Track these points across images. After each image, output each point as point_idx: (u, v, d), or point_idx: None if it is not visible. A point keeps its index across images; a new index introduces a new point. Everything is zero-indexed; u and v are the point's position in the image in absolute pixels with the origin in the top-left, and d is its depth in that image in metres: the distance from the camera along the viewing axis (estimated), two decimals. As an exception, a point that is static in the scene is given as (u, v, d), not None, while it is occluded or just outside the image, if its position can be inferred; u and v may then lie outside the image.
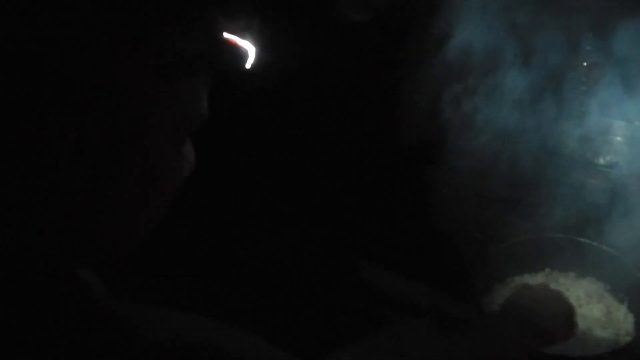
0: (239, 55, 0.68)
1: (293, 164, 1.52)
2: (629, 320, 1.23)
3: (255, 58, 0.70)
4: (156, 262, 1.30)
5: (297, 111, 1.48)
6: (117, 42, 0.56)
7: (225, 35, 0.65)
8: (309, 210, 1.53)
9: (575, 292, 1.25)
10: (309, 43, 1.40)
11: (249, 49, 0.69)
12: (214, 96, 0.66)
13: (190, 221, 1.37)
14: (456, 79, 1.39)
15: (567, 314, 1.16)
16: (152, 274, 1.29)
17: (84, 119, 0.55)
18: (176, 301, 0.67)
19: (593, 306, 1.24)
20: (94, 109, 0.56)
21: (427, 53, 1.35)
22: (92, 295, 0.59)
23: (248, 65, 0.70)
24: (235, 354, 0.62)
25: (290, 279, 1.41)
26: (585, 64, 1.67)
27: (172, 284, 1.28)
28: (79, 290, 0.58)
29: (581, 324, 1.20)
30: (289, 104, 1.47)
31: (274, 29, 0.89)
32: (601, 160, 1.62)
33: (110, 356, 0.56)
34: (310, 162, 1.53)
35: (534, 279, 1.29)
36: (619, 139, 1.64)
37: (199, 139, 0.68)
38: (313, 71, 1.42)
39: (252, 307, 1.33)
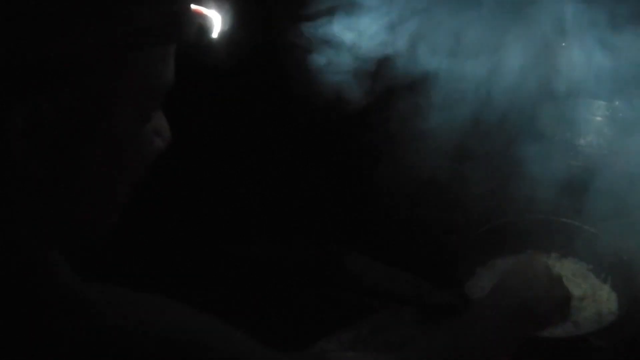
0: (205, 25, 0.67)
1: (270, 148, 1.50)
2: (612, 298, 1.23)
3: (221, 28, 0.69)
4: (141, 249, 1.30)
5: (268, 85, 1.45)
6: (72, 16, 0.54)
7: (190, 4, 0.63)
8: (293, 202, 1.53)
9: (558, 272, 1.25)
10: (279, 12, 1.38)
11: (216, 19, 0.68)
12: (181, 69, 0.64)
13: (170, 211, 1.36)
14: (436, 59, 1.38)
15: (562, 298, 1.13)
16: (135, 262, 1.29)
17: (36, 100, 0.54)
18: (156, 289, 0.67)
19: (576, 286, 1.23)
20: (48, 89, 0.54)
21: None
22: (55, 277, 0.58)
23: (215, 35, 0.69)
24: (200, 343, 0.61)
25: (275, 270, 1.41)
26: (563, 44, 1.67)
27: (154, 273, 1.27)
28: (41, 272, 0.57)
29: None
30: (259, 79, 1.44)
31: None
32: (582, 141, 1.62)
33: (69, 337, 0.55)
34: (289, 147, 1.51)
35: (517, 261, 1.28)
36: (598, 119, 1.64)
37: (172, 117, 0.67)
38: (284, 42, 1.39)
39: (236, 297, 1.32)
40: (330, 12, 1.29)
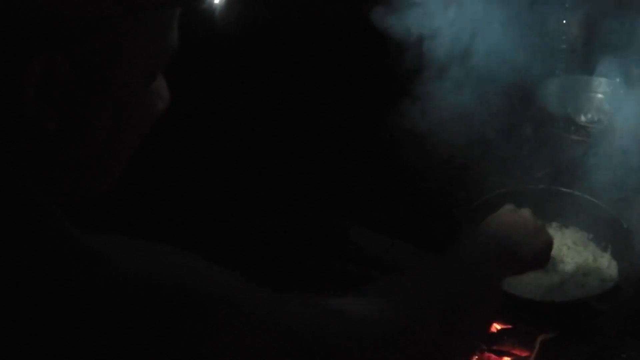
0: None
1: (276, 121, 1.51)
2: (613, 266, 1.25)
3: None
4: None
5: (274, 56, 1.45)
6: None
7: None
8: (297, 175, 1.54)
9: (559, 241, 1.26)
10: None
11: None
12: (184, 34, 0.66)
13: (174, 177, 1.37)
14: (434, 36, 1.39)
15: (544, 243, 1.11)
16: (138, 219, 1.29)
17: (51, 54, 0.55)
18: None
19: (577, 254, 1.25)
20: (62, 44, 0.56)
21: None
22: (61, 227, 0.58)
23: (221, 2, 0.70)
24: (204, 288, 0.61)
25: (278, 242, 1.42)
26: (564, 21, 1.69)
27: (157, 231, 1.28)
28: (48, 222, 0.58)
29: (567, 270, 1.21)
30: (266, 49, 1.44)
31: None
32: (582, 117, 1.64)
33: (79, 284, 0.56)
34: (295, 122, 1.52)
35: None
36: (600, 95, 1.65)
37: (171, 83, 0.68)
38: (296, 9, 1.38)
39: (239, 268, 1.33)
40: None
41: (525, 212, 1.11)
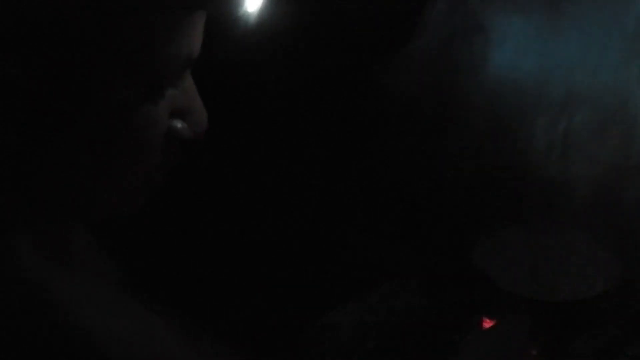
0: None
1: (283, 129, 1.50)
2: (615, 265, 1.25)
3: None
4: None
5: (301, 68, 1.39)
6: None
7: None
8: (297, 178, 1.53)
9: (559, 239, 1.27)
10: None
11: None
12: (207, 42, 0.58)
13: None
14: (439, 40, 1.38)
15: None
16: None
17: (5, 62, 0.48)
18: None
19: (580, 253, 1.26)
20: (21, 50, 0.48)
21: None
22: (19, 265, 0.53)
23: (248, 9, 0.64)
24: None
25: (277, 246, 1.42)
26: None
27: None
28: (6, 258, 0.53)
29: (570, 269, 1.22)
30: (292, 61, 1.35)
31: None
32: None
33: (24, 331, 0.51)
34: (300, 129, 1.50)
35: (519, 230, 1.30)
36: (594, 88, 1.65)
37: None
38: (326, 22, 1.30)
39: (240, 273, 1.33)
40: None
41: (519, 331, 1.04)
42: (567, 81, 1.28)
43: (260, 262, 1.38)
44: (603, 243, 1.28)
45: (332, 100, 1.42)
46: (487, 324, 1.18)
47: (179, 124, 0.58)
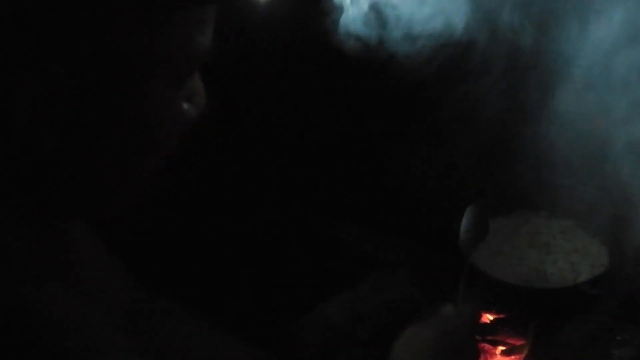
0: None
1: (274, 123, 1.49)
2: (603, 252, 1.26)
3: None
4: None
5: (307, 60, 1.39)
6: None
7: None
8: (287, 172, 1.53)
9: (548, 229, 1.28)
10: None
11: None
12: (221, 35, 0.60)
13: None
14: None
15: None
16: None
17: (50, 67, 0.49)
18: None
19: (567, 241, 1.27)
20: (63, 56, 0.49)
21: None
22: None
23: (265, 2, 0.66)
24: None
25: (270, 240, 1.42)
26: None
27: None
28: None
29: (557, 258, 1.23)
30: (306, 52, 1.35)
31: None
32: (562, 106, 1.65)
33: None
34: (289, 123, 1.50)
35: (508, 221, 1.31)
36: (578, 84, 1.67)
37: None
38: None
39: (234, 267, 1.33)
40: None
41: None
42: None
43: (252, 255, 1.38)
44: (590, 229, 1.30)
45: (329, 92, 1.43)
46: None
47: (186, 106, 0.61)
